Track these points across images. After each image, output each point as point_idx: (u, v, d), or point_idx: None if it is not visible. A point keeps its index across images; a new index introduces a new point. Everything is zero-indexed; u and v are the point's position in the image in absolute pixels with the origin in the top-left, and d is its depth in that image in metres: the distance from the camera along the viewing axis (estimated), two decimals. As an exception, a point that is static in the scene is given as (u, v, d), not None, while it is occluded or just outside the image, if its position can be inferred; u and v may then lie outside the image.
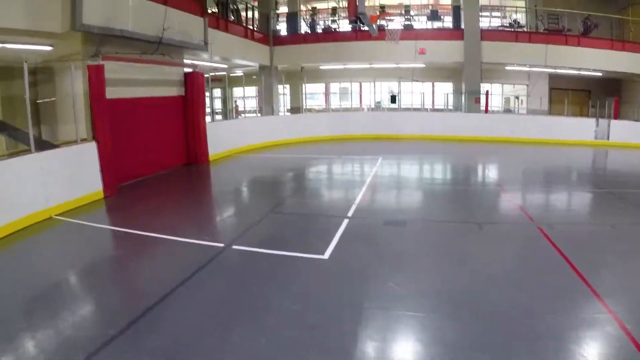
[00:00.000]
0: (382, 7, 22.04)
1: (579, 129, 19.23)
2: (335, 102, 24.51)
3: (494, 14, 23.95)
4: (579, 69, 20.96)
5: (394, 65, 23.13)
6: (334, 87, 26.90)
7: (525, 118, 21.14)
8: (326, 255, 6.13)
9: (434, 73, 24.63)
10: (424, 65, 22.80)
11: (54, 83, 10.54)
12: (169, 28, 11.91)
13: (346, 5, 26.36)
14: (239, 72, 22.01)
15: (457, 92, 24.25)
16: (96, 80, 9.64)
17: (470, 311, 4.53)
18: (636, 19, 20.86)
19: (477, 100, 20.84)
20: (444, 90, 25.07)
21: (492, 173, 13.59)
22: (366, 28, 22.20)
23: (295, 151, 17.09)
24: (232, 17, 18.16)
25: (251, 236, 7.21)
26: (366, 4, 11.74)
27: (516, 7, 23.47)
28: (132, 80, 11.60)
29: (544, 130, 19.28)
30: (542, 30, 21.32)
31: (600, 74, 21.69)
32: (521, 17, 22.87)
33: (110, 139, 10.01)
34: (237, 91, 23.66)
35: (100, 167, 9.72)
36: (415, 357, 3.82)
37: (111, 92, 10.19)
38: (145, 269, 6.15)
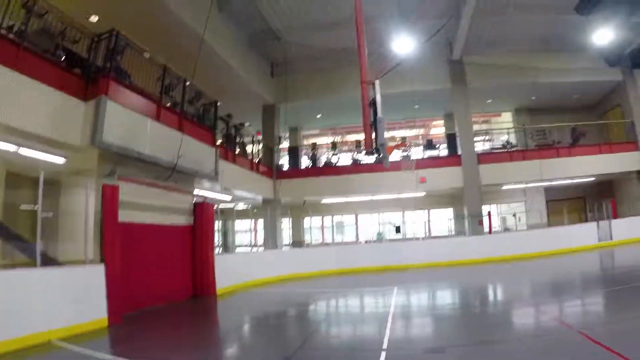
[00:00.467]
0: (403, 138, 22.71)
1: (582, 234, 19.21)
2: (330, 236, 24.18)
3: (480, 137, 24.85)
4: (573, 178, 21.65)
5: (396, 196, 23.21)
6: (330, 220, 26.58)
7: (530, 233, 20.87)
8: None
9: (434, 200, 24.74)
10: (425, 194, 22.90)
11: (59, 197, 10.00)
12: (183, 155, 11.75)
13: (344, 140, 27.86)
14: (240, 205, 21.82)
15: (458, 216, 24.18)
16: (110, 200, 9.11)
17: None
18: (617, 121, 22.52)
19: (481, 222, 20.64)
20: (446, 216, 24.97)
21: (514, 290, 12.67)
22: (366, 160, 23.16)
23: (305, 285, 16.09)
24: (238, 150, 18.34)
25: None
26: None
27: (507, 129, 24.52)
28: (143, 205, 11.08)
29: (549, 241, 18.95)
30: (534, 147, 22.16)
31: (593, 179, 22.36)
32: (512, 137, 23.97)
33: (120, 264, 9.17)
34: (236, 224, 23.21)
35: (106, 293, 8.75)
36: None
37: (122, 215, 9.61)
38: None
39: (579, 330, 6.57)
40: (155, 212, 11.54)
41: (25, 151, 8.42)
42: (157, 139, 10.93)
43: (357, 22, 11.51)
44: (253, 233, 21.52)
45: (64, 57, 9.15)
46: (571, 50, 20.96)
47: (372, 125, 11.27)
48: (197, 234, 13.26)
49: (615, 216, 20.10)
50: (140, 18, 11.84)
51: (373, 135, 11.25)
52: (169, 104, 12.23)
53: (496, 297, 12.49)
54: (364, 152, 24.00)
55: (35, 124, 8.09)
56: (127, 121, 9.81)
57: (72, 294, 8.08)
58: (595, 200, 22.46)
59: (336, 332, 8.92)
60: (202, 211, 13.42)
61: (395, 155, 22.29)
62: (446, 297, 12.93)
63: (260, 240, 21.40)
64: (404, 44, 15.76)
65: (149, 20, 12.44)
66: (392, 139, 24.58)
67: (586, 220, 21.62)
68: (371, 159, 23.21)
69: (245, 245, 24.70)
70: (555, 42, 20.88)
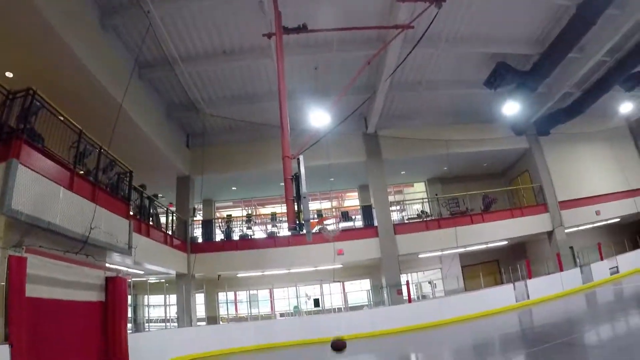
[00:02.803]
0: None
1: (499, 296, 19.85)
2: (246, 310, 23.33)
3: (395, 207, 25.89)
4: (488, 243, 22.84)
5: (312, 269, 23.06)
6: (245, 294, 25.67)
7: (449, 299, 21.32)
8: None
9: (351, 272, 24.86)
10: (341, 266, 22.97)
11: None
12: (96, 227, 10.97)
13: (258, 213, 27.55)
14: (151, 279, 20.53)
15: (376, 286, 24.40)
16: (17, 274, 8.15)
17: None
18: (526, 186, 24.59)
19: (400, 292, 20.90)
20: (363, 287, 25.09)
21: (445, 354, 12.79)
22: (282, 233, 22.99)
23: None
24: (152, 222, 17.46)
25: None
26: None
27: (421, 199, 25.69)
28: (52, 280, 9.96)
29: (469, 306, 19.41)
30: (448, 215, 23.37)
31: (506, 242, 23.77)
32: (426, 207, 24.99)
33: (27, 344, 8.08)
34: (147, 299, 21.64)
35: (11, 380, 7.60)
36: None
37: (29, 290, 8.58)
38: None
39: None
40: (65, 287, 10.43)
41: None
42: (69, 208, 10.10)
43: (280, 98, 11.75)
44: (167, 308, 20.07)
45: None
46: (480, 121, 23.16)
47: (293, 200, 11.28)
48: (110, 310, 12.11)
49: (530, 276, 21.26)
50: (56, 78, 11.27)
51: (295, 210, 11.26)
52: (81, 172, 11.49)
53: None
54: (285, 227, 24.21)
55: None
56: (38, 188, 9.00)
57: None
58: (508, 262, 24.07)
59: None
60: (115, 286, 12.34)
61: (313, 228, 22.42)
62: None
63: (173, 316, 20.01)
64: (321, 118, 16.35)
65: (65, 81, 11.88)
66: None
67: (502, 282, 22.64)
68: (287, 232, 23.36)
69: (156, 321, 22.98)
70: (465, 114, 22.94)
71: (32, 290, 8.78)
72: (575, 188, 23.74)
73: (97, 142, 11.87)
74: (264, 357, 16.28)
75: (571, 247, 22.92)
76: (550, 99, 21.31)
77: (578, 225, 23.53)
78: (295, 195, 11.10)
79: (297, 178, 10.96)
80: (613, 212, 23.60)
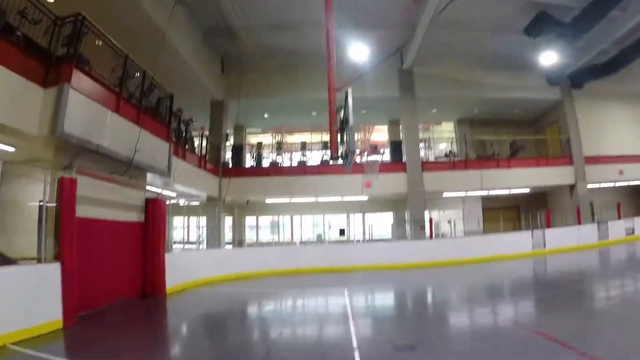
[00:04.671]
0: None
1: (517, 242, 20.26)
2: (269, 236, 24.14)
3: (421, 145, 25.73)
4: (511, 188, 23.05)
5: (340, 199, 23.51)
6: (264, 220, 26.30)
7: (469, 239, 21.84)
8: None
9: (375, 205, 25.25)
10: (367, 198, 23.35)
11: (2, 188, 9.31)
12: (140, 150, 11.32)
13: (287, 140, 27.79)
14: (182, 202, 21.27)
15: (399, 220, 24.87)
16: (68, 194, 8.63)
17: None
18: (554, 137, 24.35)
19: (422, 228, 21.30)
20: (386, 220, 25.60)
21: (464, 291, 13.27)
22: (311, 162, 23.30)
23: (253, 285, 15.95)
24: (187, 145, 17.85)
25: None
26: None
27: (450, 138, 25.72)
28: (98, 200, 10.53)
29: (487, 248, 19.85)
30: (475, 158, 23.36)
31: (528, 190, 23.98)
32: (453, 147, 25.11)
33: (77, 262, 8.69)
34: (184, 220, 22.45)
35: (62, 293, 8.26)
36: None
37: (77, 210, 9.11)
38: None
39: (535, 330, 7.06)
40: (109, 208, 11.01)
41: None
42: (116, 132, 10.44)
43: (327, 26, 11.60)
44: (199, 230, 20.91)
45: (22, 39, 8.49)
46: (515, 68, 22.36)
47: (337, 130, 11.42)
48: (149, 231, 12.78)
49: (549, 226, 21.50)
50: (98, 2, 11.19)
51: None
52: (125, 96, 11.71)
53: (456, 297, 12.75)
54: (315, 156, 24.50)
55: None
56: (88, 112, 9.29)
57: (26, 296, 7.59)
58: (529, 210, 24.13)
59: (302, 334, 8.88)
60: (155, 208, 12.95)
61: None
62: (401, 298, 13.30)
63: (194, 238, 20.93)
64: (361, 52, 16.05)
65: (107, 3, 11.82)
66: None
67: (520, 229, 22.86)
68: (315, 161, 23.63)
69: (179, 242, 23.93)
70: (500, 59, 22.10)
71: (81, 211, 9.29)
72: (602, 145, 23.38)
73: (140, 65, 11.96)
74: (296, 280, 16.96)
75: (591, 203, 22.86)
76: (587, 53, 20.43)
77: (600, 182, 23.36)
78: (337, 126, 11.27)
79: (341, 109, 11.08)
80: (636, 174, 23.31)
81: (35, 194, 8.85)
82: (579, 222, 21.54)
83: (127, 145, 10.85)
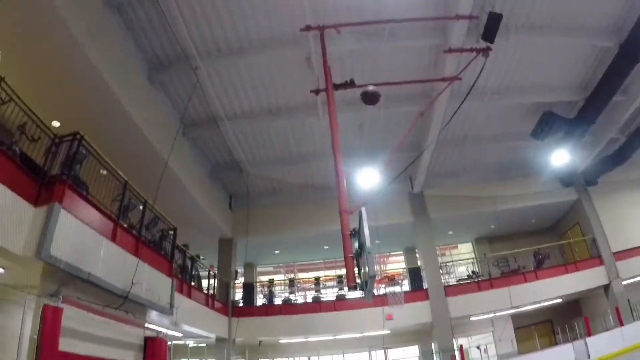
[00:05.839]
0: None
1: (558, 358, 18.08)
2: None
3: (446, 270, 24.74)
4: (541, 301, 21.29)
5: (359, 335, 21.86)
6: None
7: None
8: None
9: (398, 338, 23.37)
10: (389, 331, 21.67)
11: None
12: (138, 283, 10.56)
13: (301, 278, 26.72)
14: (189, 342, 19.80)
15: (425, 352, 22.84)
16: (52, 324, 7.75)
17: None
18: (578, 239, 23.26)
19: (453, 358, 19.37)
20: (411, 354, 23.55)
21: None
22: (326, 298, 22.04)
23: None
24: (193, 283, 17.01)
25: None
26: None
27: (470, 259, 24.86)
28: (88, 335, 9.48)
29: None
30: (500, 275, 22.18)
31: (560, 300, 22.04)
32: (475, 267, 23.95)
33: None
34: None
35: None
36: None
37: (62, 344, 8.14)
38: None
39: None
40: (101, 344, 9.90)
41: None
42: (111, 261, 9.82)
43: (334, 150, 11.30)
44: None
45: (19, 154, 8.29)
46: (526, 175, 22.33)
47: (352, 257, 10.54)
48: (148, 373, 11.47)
49: (590, 334, 19.45)
50: (102, 130, 11.32)
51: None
52: (125, 225, 11.26)
53: None
54: (329, 292, 23.33)
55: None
56: (80, 236, 8.78)
57: None
58: (563, 321, 22.28)
59: None
60: (155, 347, 11.80)
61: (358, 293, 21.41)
62: None
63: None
64: (370, 178, 15.90)
65: (111, 133, 12.02)
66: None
67: (556, 343, 20.95)
68: (331, 297, 22.41)
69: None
70: (510, 168, 22.28)
71: (66, 344, 8.33)
72: (629, 236, 22.09)
73: (141, 194, 11.72)
74: None
75: (628, 300, 21.03)
76: (596, 146, 20.42)
77: (635, 276, 21.61)
78: (353, 252, 10.44)
79: (355, 233, 10.30)
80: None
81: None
82: (621, 323, 19.40)
83: (123, 277, 10.17)
